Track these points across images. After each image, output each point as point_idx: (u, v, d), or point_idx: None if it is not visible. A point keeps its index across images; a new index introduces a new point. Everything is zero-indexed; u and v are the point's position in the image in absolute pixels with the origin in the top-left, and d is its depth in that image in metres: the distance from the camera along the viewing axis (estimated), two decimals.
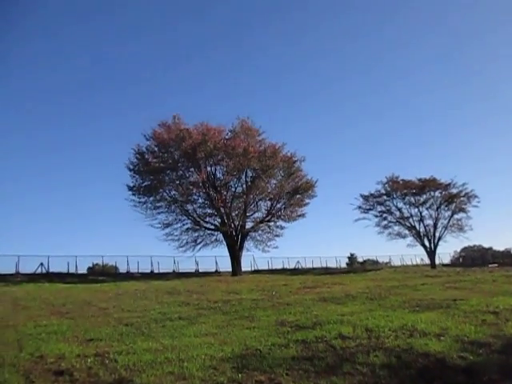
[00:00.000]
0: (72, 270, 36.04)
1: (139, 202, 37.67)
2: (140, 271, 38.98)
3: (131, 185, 37.61)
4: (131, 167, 37.44)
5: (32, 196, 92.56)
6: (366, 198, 55.27)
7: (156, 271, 40.18)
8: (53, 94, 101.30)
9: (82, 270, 38.10)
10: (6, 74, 76.68)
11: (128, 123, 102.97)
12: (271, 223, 41.38)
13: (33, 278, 30.05)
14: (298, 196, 40.86)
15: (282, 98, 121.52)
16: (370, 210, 55.43)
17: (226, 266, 40.54)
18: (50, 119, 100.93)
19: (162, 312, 12.59)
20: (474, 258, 64.30)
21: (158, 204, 38.14)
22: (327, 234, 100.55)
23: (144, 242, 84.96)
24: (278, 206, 40.82)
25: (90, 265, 41.35)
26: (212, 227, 39.78)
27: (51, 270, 34.55)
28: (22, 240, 74.53)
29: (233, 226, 38.84)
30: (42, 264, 34.79)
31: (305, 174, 41.42)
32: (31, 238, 77.98)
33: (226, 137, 37.98)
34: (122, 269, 40.50)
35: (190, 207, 39.17)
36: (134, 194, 37.63)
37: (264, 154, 37.47)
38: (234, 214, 39.27)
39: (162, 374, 6.04)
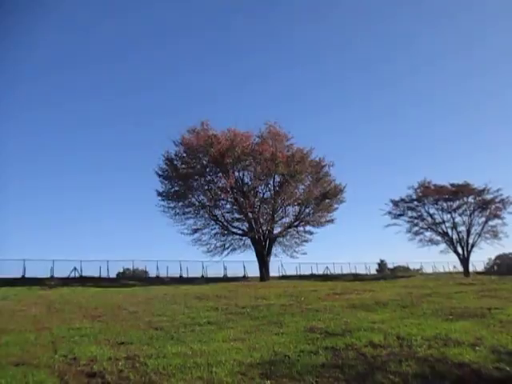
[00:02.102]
0: (104, 275, 36.92)
1: (168, 208, 38.13)
2: (169, 276, 39.53)
3: (160, 190, 38.20)
4: (160, 173, 37.99)
5: (66, 201, 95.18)
6: (396, 203, 54.37)
7: (185, 276, 40.67)
8: (80, 96, 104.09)
9: (113, 274, 39.03)
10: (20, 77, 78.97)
11: (160, 130, 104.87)
12: (299, 228, 41.21)
13: (66, 281, 30.78)
14: (326, 201, 40.56)
15: (311, 103, 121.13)
16: (400, 215, 54.51)
17: (253, 271, 40.71)
18: (86, 119, 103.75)
19: (190, 316, 12.67)
20: (510, 265, 62.10)
21: (186, 209, 38.49)
22: (356, 240, 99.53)
23: (173, 247, 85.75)
24: (307, 211, 40.62)
25: (121, 269, 42.29)
26: (240, 232, 39.92)
27: (84, 274, 35.46)
28: (56, 245, 76.63)
29: (261, 231, 38.80)
30: (75, 268, 35.77)
31: (333, 178, 41.24)
32: (65, 242, 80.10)
33: (254, 142, 38.06)
34: (152, 273, 41.30)
35: (218, 212, 39.46)
36: (163, 200, 38.12)
37: (292, 159, 37.39)
38: (261, 219, 39.26)
39: (190, 378, 6.09)
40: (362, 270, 53.22)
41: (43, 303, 17.48)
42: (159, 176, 38.01)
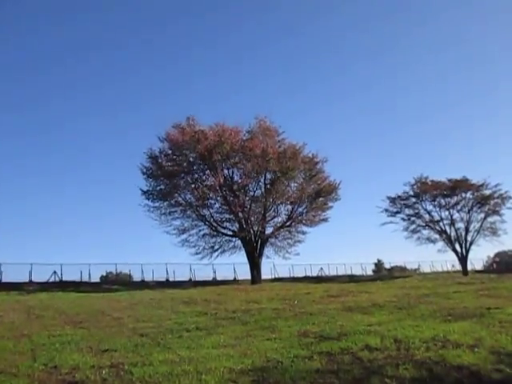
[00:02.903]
0: (85, 279, 36.69)
1: (153, 207, 38.01)
2: (155, 279, 39.38)
3: (145, 189, 38.02)
4: (144, 171, 37.86)
5: (44, 202, 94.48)
6: (392, 200, 54.68)
7: (171, 279, 40.55)
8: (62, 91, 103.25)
9: (96, 278, 38.76)
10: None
11: (143, 125, 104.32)
12: (292, 228, 41.29)
13: (46, 286, 30.59)
14: (320, 199, 40.67)
15: (303, 97, 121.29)
16: (397, 213, 54.84)
17: (244, 273, 40.71)
18: (58, 118, 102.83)
19: (178, 322, 12.70)
20: (509, 263, 62.83)
21: (172, 209, 38.40)
22: (352, 240, 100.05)
23: (159, 250, 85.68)
24: (300, 209, 40.71)
25: (104, 273, 42.01)
26: (230, 233, 39.91)
27: (64, 279, 35.22)
28: (35, 247, 76.13)
29: (251, 231, 38.82)
30: (55, 272, 35.52)
31: (327, 175, 41.32)
32: (44, 245, 79.54)
33: (244, 138, 38.06)
34: (137, 277, 41.08)
35: (206, 212, 39.42)
36: (147, 199, 37.97)
37: (284, 155, 37.44)
38: (252, 219, 39.26)
39: None
40: (358, 271, 53.58)
41: (22, 309, 17.38)
42: (143, 174, 37.94)
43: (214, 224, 39.47)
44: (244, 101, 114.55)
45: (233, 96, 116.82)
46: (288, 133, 41.40)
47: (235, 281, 41.08)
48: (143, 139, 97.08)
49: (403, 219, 55.09)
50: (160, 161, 37.71)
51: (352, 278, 43.88)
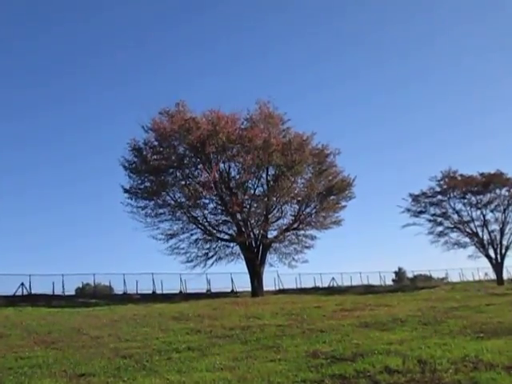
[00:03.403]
0: (58, 292, 36.69)
1: (137, 208, 38.11)
2: (139, 292, 39.48)
3: (127, 187, 38.12)
4: (126, 165, 37.89)
5: (10, 204, 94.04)
6: (416, 198, 54.55)
7: (159, 292, 40.64)
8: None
9: (70, 291, 38.73)
10: None
11: (124, 112, 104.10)
12: (299, 232, 41.43)
13: (12, 300, 30.52)
14: (331, 198, 40.77)
15: (311, 80, 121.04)
16: (421, 213, 54.72)
17: (244, 284, 40.81)
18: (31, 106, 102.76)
19: (166, 341, 12.74)
20: None
21: (160, 210, 38.48)
22: (369, 245, 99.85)
23: (144, 257, 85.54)
24: (308, 210, 40.80)
25: (80, 285, 41.98)
26: (227, 237, 39.99)
27: (34, 292, 35.15)
28: None
29: (252, 235, 38.92)
30: (22, 284, 35.41)
31: (340, 170, 41.43)
32: (10, 254, 79.24)
33: (242, 126, 38.10)
34: (118, 289, 41.09)
35: (199, 213, 39.50)
36: (130, 198, 38.08)
37: (289, 147, 37.47)
38: (253, 221, 39.34)
39: None
40: (375, 281, 53.75)
41: None
42: (125, 169, 37.98)
43: (209, 227, 39.52)
44: (242, 83, 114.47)
45: (229, 78, 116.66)
46: (294, 121, 41.63)
47: (233, 293, 41.09)
48: (125, 128, 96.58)
49: (428, 220, 55.04)
50: (145, 153, 37.78)
51: (369, 289, 43.90)
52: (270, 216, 39.80)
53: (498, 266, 53.62)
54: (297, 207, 40.88)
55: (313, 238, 41.85)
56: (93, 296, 36.39)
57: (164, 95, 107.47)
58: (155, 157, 37.52)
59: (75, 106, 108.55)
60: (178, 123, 36.22)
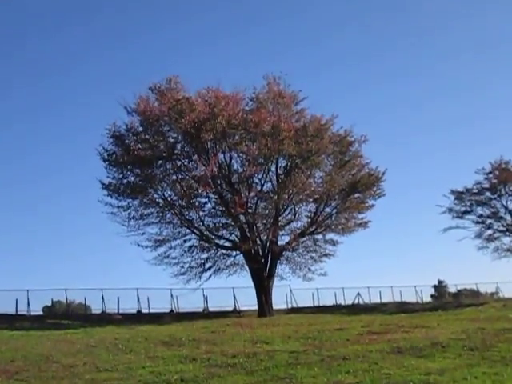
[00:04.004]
0: (22, 311, 36.53)
1: (119, 208, 38.09)
2: (122, 311, 39.43)
3: (106, 182, 38.01)
4: (105, 156, 37.83)
5: None
6: (460, 195, 54.34)
7: (145, 311, 40.65)
8: None
9: (37, 310, 38.70)
10: None
11: (102, 90, 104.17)
12: (317, 237, 41.56)
13: None
14: (356, 195, 40.84)
15: (331, 52, 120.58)
16: (466, 213, 54.54)
17: (249, 302, 40.94)
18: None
19: (155, 371, 12.70)
20: None
21: (146, 211, 38.51)
22: (402, 253, 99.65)
23: (127, 269, 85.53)
24: (327, 210, 40.88)
25: (48, 303, 41.96)
26: (227, 244, 40.07)
27: None
28: None
29: (259, 241, 38.95)
30: None
31: (366, 161, 41.41)
32: None
33: (246, 108, 38.11)
34: (96, 308, 41.15)
35: (194, 215, 39.52)
36: (110, 196, 38.03)
37: (304, 133, 37.35)
38: (259, 225, 39.42)
39: None
40: (410, 297, 53.43)
41: None
42: (104, 160, 37.89)
43: (206, 232, 39.55)
44: (246, 55, 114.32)
45: (231, 49, 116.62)
46: (310, 100, 41.20)
47: (236, 312, 41.20)
48: (103, 110, 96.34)
49: (475, 222, 54.85)
50: (128, 142, 37.72)
51: (402, 307, 43.91)
52: (280, 218, 39.83)
53: None
54: (314, 207, 40.99)
55: (333, 244, 41.97)
56: (65, 316, 36.37)
57: (151, 70, 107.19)
58: (140, 145, 37.28)
59: (40, 82, 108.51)
60: (169, 104, 36.08)
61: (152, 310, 40.53)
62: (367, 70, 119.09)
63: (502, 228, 54.59)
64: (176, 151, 37.98)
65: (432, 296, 59.53)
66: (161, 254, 39.07)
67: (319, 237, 41.62)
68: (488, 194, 54.19)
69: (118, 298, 40.15)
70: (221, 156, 38.34)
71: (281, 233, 40.02)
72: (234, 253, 40.28)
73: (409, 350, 14.14)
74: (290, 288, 45.79)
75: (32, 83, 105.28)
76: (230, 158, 38.83)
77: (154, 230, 39.06)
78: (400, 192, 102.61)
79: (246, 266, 39.36)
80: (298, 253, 41.50)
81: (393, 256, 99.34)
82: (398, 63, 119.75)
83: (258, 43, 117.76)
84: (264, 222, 39.57)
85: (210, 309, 42.17)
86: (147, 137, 37.67)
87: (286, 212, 40.27)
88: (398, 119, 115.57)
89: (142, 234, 38.58)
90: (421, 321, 24.82)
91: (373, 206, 41.85)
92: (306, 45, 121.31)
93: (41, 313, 38.97)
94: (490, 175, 53.56)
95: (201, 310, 41.77)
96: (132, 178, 37.98)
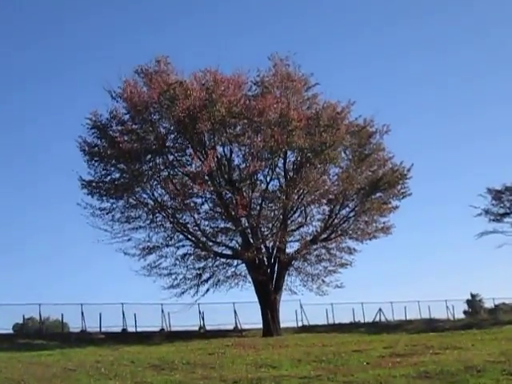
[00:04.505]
0: None
1: (101, 210, 38.10)
2: (105, 330, 39.39)
3: (87, 179, 38.00)
4: (86, 149, 37.79)
5: None
6: (498, 194, 54.15)
7: (132, 329, 40.66)
8: None
9: (7, 328, 38.65)
10: None
11: (82, 73, 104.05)
12: (331, 244, 41.52)
13: None
14: (377, 195, 40.74)
15: (349, 26, 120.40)
16: (505, 215, 54.35)
17: (252, 319, 41.00)
18: None
19: None
20: None
21: (132, 213, 38.64)
22: (430, 262, 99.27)
23: (111, 281, 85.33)
24: (343, 212, 40.88)
25: (20, 320, 41.94)
26: (228, 252, 40.09)
27: None
28: None
29: (264, 249, 38.97)
30: None
31: (389, 155, 41.38)
32: None
33: (250, 93, 38.12)
34: (74, 326, 41.01)
35: (188, 218, 39.61)
36: (91, 195, 38.06)
37: (317, 122, 37.33)
38: (265, 229, 39.50)
39: None
40: (440, 313, 53.53)
41: None
42: (84, 153, 37.90)
43: (202, 238, 39.57)
44: (250, 32, 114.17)
45: (231, 23, 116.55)
46: (324, 85, 41.24)
47: (237, 331, 41.35)
48: (83, 95, 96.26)
49: None
50: (112, 132, 37.79)
51: (431, 325, 44.22)
52: (289, 221, 39.96)
53: None
54: (328, 209, 40.99)
55: (351, 252, 41.80)
56: (38, 335, 36.38)
57: (139, 50, 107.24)
58: (126, 137, 37.29)
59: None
60: (159, 89, 36.00)
61: (140, 329, 40.55)
62: (388, 45, 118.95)
63: None
64: (168, 144, 37.99)
65: (465, 312, 59.61)
66: (150, 264, 39.04)
67: (334, 244, 41.56)
68: None
69: (100, 315, 40.09)
70: (220, 149, 38.47)
71: (289, 239, 39.98)
72: (235, 262, 40.27)
73: (438, 374, 14.12)
74: (301, 303, 45.92)
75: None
76: (231, 152, 38.88)
77: (142, 236, 39.09)
78: (428, 191, 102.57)
79: (249, 278, 39.38)
80: (310, 262, 41.42)
81: (420, 266, 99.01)
82: (422, 38, 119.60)
83: (263, 17, 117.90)
84: (270, 226, 39.67)
85: (208, 327, 42.17)
86: (134, 127, 37.74)
87: (296, 214, 40.43)
88: (424, 103, 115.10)
89: (128, 240, 38.66)
90: (452, 341, 24.77)
91: (397, 207, 41.70)
92: (320, 19, 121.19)
93: (11, 331, 38.94)
94: None
95: (196, 328, 41.75)
96: (116, 175, 38.13)
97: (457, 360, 16.98)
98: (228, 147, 38.71)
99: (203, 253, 39.92)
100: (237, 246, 39.52)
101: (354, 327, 43.97)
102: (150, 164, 38.06)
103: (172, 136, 38.04)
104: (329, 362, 18.61)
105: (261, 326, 38.62)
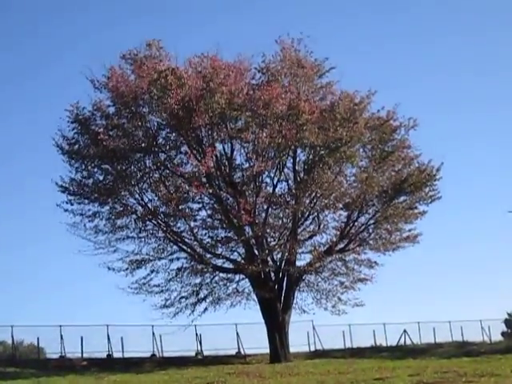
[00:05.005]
0: None
1: (83, 217, 38.15)
2: (87, 356, 39.39)
3: (66, 181, 37.96)
4: (65, 146, 37.85)
5: None
6: None
7: (118, 355, 40.63)
8: None
9: None
10: None
11: (61, 57, 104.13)
12: (349, 256, 41.52)
13: None
14: (402, 199, 40.66)
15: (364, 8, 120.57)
16: None
17: (257, 343, 40.99)
18: None
19: None
20: None
21: (119, 221, 38.68)
22: (462, 276, 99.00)
23: (94, 299, 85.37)
24: (363, 219, 40.88)
25: None
26: (229, 266, 40.10)
27: None
28: None
29: (270, 262, 38.99)
30: None
31: (416, 153, 41.32)
32: None
33: (254, 82, 38.20)
34: (52, 351, 41.05)
35: (183, 226, 39.66)
36: (71, 201, 38.01)
37: (332, 115, 37.21)
38: (271, 239, 39.51)
39: None
40: (474, 335, 53.65)
41: None
42: (63, 152, 37.96)
43: (199, 249, 39.56)
44: (256, 13, 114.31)
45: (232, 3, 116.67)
46: (340, 71, 41.02)
47: (240, 357, 41.33)
48: (63, 85, 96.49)
49: None
50: (95, 128, 37.74)
51: (464, 349, 44.00)
52: (299, 230, 39.96)
53: None
54: (344, 215, 41.04)
55: (371, 265, 41.77)
56: (11, 362, 36.24)
57: (128, 33, 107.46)
58: (112, 133, 37.44)
59: None
60: (149, 77, 35.83)
61: (127, 354, 40.49)
62: (415, 26, 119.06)
63: None
64: (159, 141, 38.11)
65: (503, 333, 59.43)
66: (139, 279, 39.05)
67: (352, 255, 41.58)
68: None
69: (82, 338, 40.15)
70: (219, 147, 38.48)
71: (300, 250, 40.09)
72: (238, 277, 40.24)
73: None
74: (313, 324, 45.99)
75: None
76: (232, 150, 38.75)
77: (130, 247, 39.05)
78: (460, 193, 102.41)
79: (254, 295, 39.37)
80: (324, 277, 41.42)
81: (450, 281, 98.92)
82: (457, 18, 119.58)
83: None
84: (277, 235, 39.69)
85: (206, 352, 42.19)
86: (121, 121, 37.79)
87: (308, 222, 40.53)
88: (457, 93, 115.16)
89: (114, 251, 38.63)
90: (489, 367, 24.71)
91: (424, 212, 41.66)
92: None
93: None
94: None
95: (193, 353, 41.80)
96: (100, 177, 38.15)
97: None
98: (229, 144, 38.65)
99: (200, 266, 39.89)
100: (239, 258, 39.53)
101: (375, 352, 43.86)
102: (139, 164, 38.22)
103: (164, 132, 38.12)
104: None
105: (267, 350, 38.64)
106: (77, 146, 37.88)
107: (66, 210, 37.88)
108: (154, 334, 41.72)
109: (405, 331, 50.70)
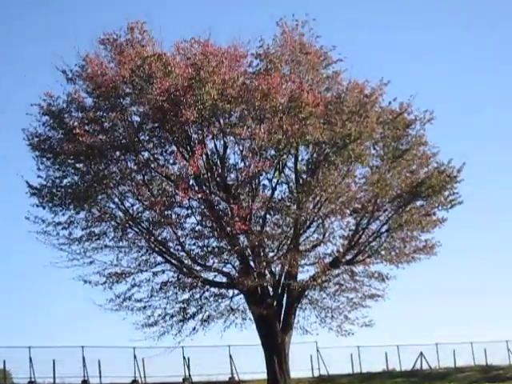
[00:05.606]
0: None
1: (54, 224, 37.88)
2: (59, 381, 39.19)
3: (37, 184, 37.78)
4: (36, 144, 37.55)
5: None
6: None
7: (95, 381, 40.29)
8: None
9: None
10: None
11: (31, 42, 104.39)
12: (357, 268, 41.22)
13: None
14: (418, 204, 40.32)
15: None
16: None
17: (254, 366, 40.73)
18: None
19: None
20: None
21: (96, 228, 38.39)
22: (485, 292, 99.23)
23: (68, 318, 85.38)
24: (373, 227, 40.49)
25: None
26: (221, 280, 39.81)
27: None
28: None
29: (268, 275, 38.69)
30: None
31: (433, 151, 41.15)
32: None
33: (250, 70, 37.83)
34: (20, 376, 40.73)
35: (169, 235, 39.32)
36: (42, 205, 37.72)
37: (339, 108, 37.00)
38: (269, 249, 39.23)
39: None
40: (498, 358, 53.55)
41: None
42: (34, 149, 37.66)
43: (187, 260, 39.22)
44: None
45: None
46: (349, 59, 40.69)
47: (234, 383, 41.09)
48: (33, 74, 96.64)
49: None
50: (69, 121, 37.47)
51: (488, 373, 44.18)
52: (301, 239, 39.69)
53: None
54: (353, 222, 40.74)
55: (383, 279, 41.38)
56: None
57: (106, 15, 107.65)
58: (88, 127, 36.94)
59: None
60: (131, 65, 35.52)
61: (105, 380, 40.38)
62: (431, 12, 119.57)
63: None
64: (142, 137, 37.56)
65: None
66: (119, 295, 38.68)
67: (361, 268, 41.25)
68: None
69: (54, 361, 40.08)
70: (210, 145, 38.04)
71: (302, 262, 39.70)
72: (231, 292, 40.00)
73: None
74: (317, 346, 45.87)
75: None
76: (225, 148, 38.32)
77: (109, 258, 38.78)
78: (483, 198, 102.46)
79: (250, 313, 39.12)
80: (329, 292, 41.16)
81: (472, 297, 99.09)
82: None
83: None
84: (277, 244, 39.17)
85: (195, 378, 42.13)
86: (98, 114, 37.41)
87: (311, 230, 40.06)
88: (478, 84, 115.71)
89: (91, 263, 38.25)
90: None
91: (444, 220, 41.31)
92: None
93: None
94: None
95: (180, 379, 41.62)
96: (75, 178, 37.74)
97: None
98: (221, 141, 38.19)
99: (189, 280, 39.50)
100: (233, 271, 39.12)
101: (387, 377, 43.85)
102: (119, 164, 37.86)
103: (147, 127, 37.47)
104: None
105: (265, 376, 38.48)
106: (48, 143, 37.52)
107: (36, 218, 37.72)
108: (135, 356, 41.61)
109: (421, 354, 50.74)
